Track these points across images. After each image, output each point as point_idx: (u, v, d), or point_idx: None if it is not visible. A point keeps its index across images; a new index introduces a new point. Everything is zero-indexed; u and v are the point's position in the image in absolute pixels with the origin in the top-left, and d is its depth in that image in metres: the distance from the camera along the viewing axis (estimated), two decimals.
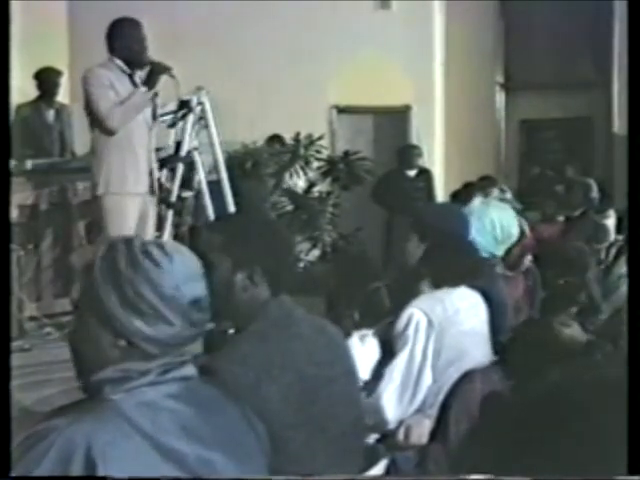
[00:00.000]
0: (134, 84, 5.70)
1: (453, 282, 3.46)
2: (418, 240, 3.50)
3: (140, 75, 5.75)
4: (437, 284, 3.47)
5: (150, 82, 5.65)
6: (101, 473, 1.73)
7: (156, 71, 5.65)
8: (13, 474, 1.77)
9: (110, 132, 5.54)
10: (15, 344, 5.76)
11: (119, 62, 5.65)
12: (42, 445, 1.75)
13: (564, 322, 3.54)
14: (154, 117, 5.84)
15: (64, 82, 7.87)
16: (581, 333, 3.63)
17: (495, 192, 7.75)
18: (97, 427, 1.78)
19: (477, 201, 5.83)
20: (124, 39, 5.63)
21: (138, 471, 1.77)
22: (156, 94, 5.83)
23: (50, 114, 7.65)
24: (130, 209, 5.63)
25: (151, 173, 5.76)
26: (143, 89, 5.63)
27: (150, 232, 5.72)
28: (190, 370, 1.95)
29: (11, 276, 2.48)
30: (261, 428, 2.07)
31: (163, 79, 5.77)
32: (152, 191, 5.79)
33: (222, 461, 1.90)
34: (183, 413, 1.89)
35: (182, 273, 1.89)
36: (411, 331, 3.29)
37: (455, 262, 3.48)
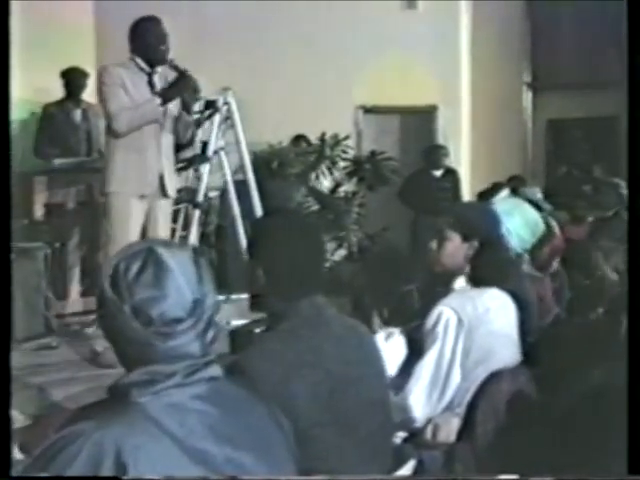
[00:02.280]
0: (151, 85, 5.58)
1: (494, 282, 3.45)
2: (461, 240, 3.49)
3: (161, 74, 5.64)
4: (476, 283, 3.46)
5: (169, 93, 5.51)
6: (132, 476, 1.73)
7: (180, 85, 5.51)
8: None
9: (116, 134, 5.43)
10: (42, 341, 5.81)
11: (139, 60, 5.56)
12: (71, 450, 1.76)
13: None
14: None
15: (91, 82, 7.89)
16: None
17: (521, 190, 7.74)
18: (126, 431, 1.78)
19: (504, 198, 5.81)
20: (143, 36, 5.55)
21: (168, 474, 1.77)
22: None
23: (77, 113, 7.66)
24: (134, 210, 5.48)
25: (164, 174, 5.59)
26: (158, 101, 5.47)
27: (162, 233, 5.61)
28: (216, 370, 1.95)
29: (12, 277, 2.50)
30: (288, 427, 2.07)
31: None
32: (164, 193, 5.63)
33: (251, 461, 1.90)
34: (210, 414, 1.89)
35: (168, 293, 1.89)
36: (441, 329, 3.28)
37: (496, 262, 3.48)
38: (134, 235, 5.38)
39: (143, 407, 1.83)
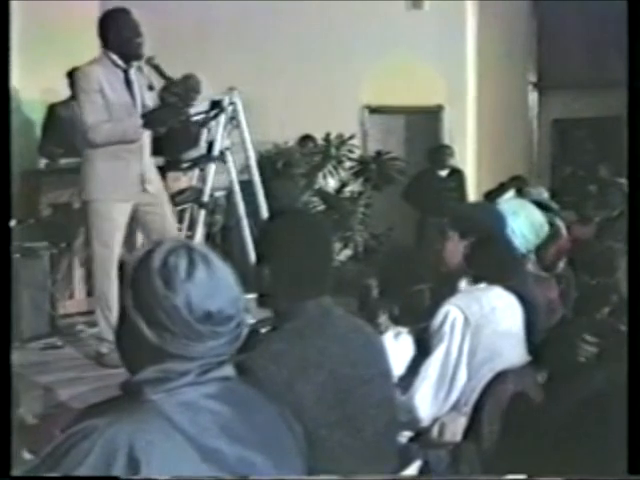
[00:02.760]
0: (128, 82, 5.38)
1: (494, 279, 3.46)
2: (459, 237, 3.51)
3: (137, 68, 5.43)
4: (477, 281, 3.47)
5: (153, 120, 5.31)
6: (144, 473, 1.73)
7: (166, 115, 5.33)
8: (55, 474, 1.77)
9: (91, 145, 5.28)
10: (48, 341, 5.82)
11: (114, 56, 5.32)
12: (83, 445, 1.75)
13: (588, 340, 3.53)
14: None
15: None
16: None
17: (528, 191, 7.74)
18: (138, 427, 1.78)
19: (509, 199, 5.82)
20: (116, 30, 5.30)
21: (179, 471, 1.77)
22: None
23: None
24: (118, 215, 5.35)
25: (143, 174, 5.43)
26: (139, 122, 5.28)
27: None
28: (229, 370, 1.95)
29: (12, 278, 2.48)
30: (298, 428, 2.07)
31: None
32: (144, 189, 5.44)
33: (262, 461, 1.90)
34: (223, 413, 1.88)
35: (207, 288, 1.87)
36: (447, 328, 3.29)
37: (497, 259, 3.49)
38: (118, 241, 5.29)
39: (156, 405, 1.83)
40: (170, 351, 1.86)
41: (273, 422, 2.00)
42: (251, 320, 2.24)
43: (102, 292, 5.26)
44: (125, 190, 5.36)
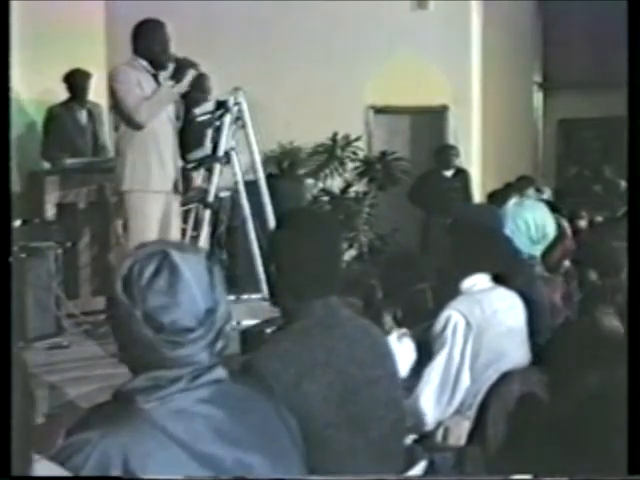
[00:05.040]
0: (159, 84, 5.66)
1: (481, 269, 3.48)
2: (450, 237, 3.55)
3: (164, 76, 5.69)
4: (467, 272, 3.49)
5: (176, 77, 5.60)
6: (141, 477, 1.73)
7: (181, 66, 5.60)
8: None
9: (137, 126, 5.49)
10: (53, 340, 5.83)
11: (143, 62, 5.61)
12: (78, 458, 1.75)
13: (605, 310, 3.54)
14: (179, 117, 5.78)
15: (100, 82, 7.88)
16: (620, 326, 3.62)
17: (531, 192, 7.72)
18: (132, 439, 1.77)
19: (511, 202, 5.82)
20: (147, 40, 5.60)
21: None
22: (186, 94, 5.79)
23: (83, 114, 7.66)
24: (153, 207, 5.55)
25: (177, 171, 5.68)
26: (169, 83, 5.58)
27: (174, 231, 5.67)
28: (220, 373, 1.94)
29: (12, 278, 2.49)
30: (293, 424, 2.06)
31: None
32: (176, 190, 5.69)
33: (259, 462, 1.89)
34: (216, 417, 1.88)
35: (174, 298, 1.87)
36: (449, 333, 3.29)
37: (497, 258, 3.50)
38: (153, 233, 5.42)
39: (149, 414, 1.83)
40: (136, 358, 1.87)
41: (268, 420, 2.00)
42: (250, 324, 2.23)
43: None
44: (160, 182, 5.56)
